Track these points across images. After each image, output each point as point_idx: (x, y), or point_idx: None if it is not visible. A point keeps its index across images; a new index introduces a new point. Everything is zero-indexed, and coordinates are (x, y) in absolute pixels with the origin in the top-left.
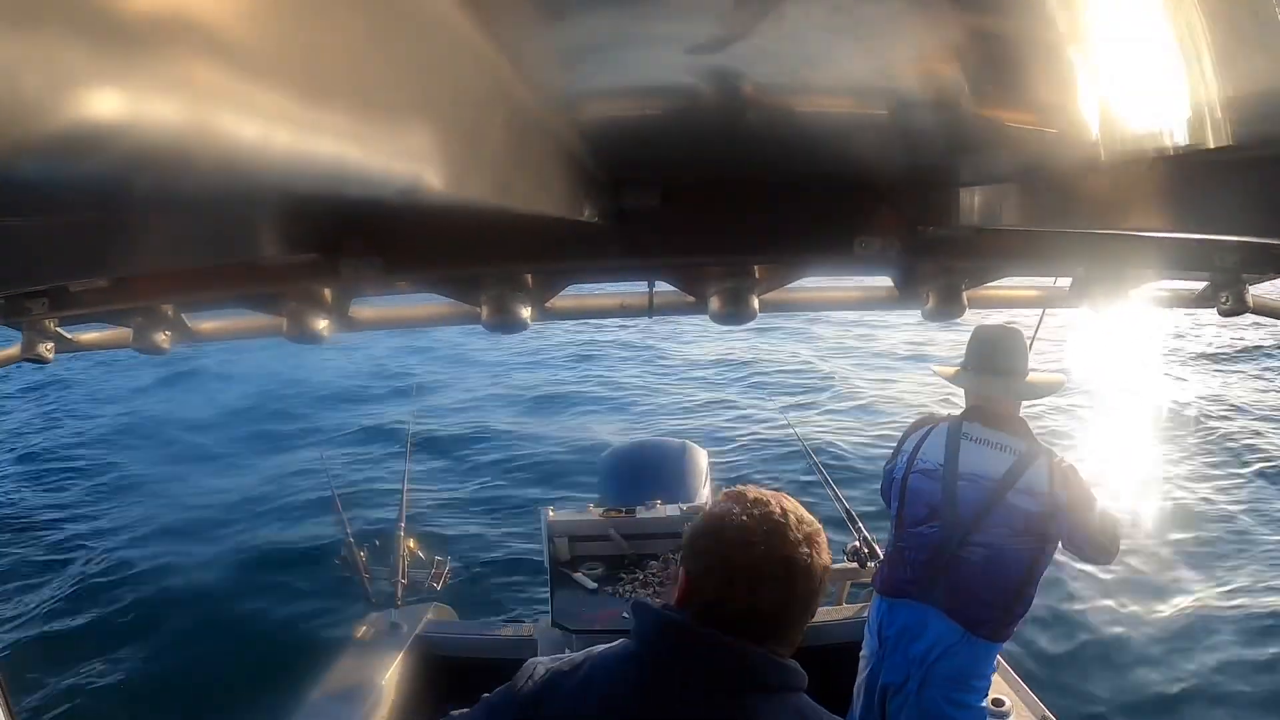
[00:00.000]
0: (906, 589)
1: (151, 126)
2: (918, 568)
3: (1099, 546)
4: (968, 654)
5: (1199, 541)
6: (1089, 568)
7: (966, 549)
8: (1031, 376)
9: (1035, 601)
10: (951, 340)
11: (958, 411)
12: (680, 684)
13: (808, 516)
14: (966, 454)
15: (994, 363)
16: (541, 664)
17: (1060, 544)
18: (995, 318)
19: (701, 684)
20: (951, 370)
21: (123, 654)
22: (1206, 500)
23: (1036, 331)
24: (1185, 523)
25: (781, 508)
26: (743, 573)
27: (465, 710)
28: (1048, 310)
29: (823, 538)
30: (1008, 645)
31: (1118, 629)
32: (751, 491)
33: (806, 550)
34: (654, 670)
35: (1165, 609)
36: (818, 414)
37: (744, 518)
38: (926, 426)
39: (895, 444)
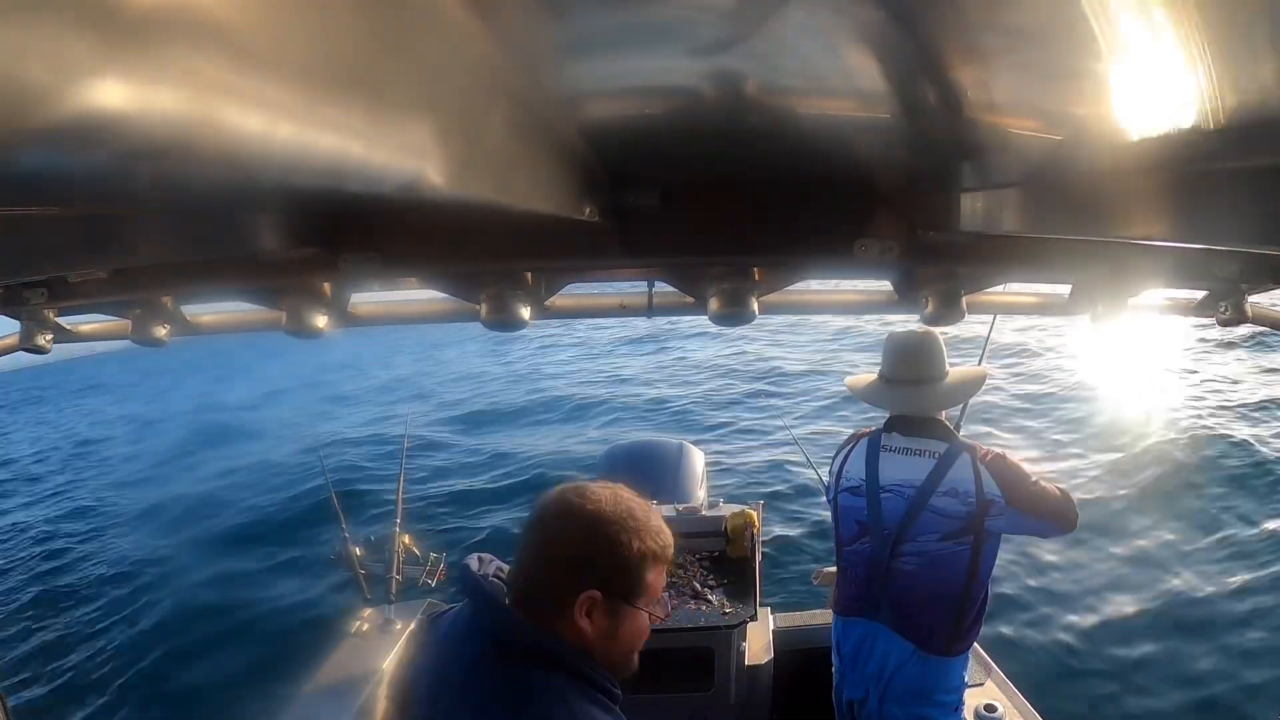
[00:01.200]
0: (856, 608)
1: (153, 119)
2: (859, 585)
3: (1054, 517)
4: (922, 670)
5: (1199, 541)
6: (1088, 567)
7: (899, 560)
8: (951, 375)
9: (1033, 603)
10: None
11: (880, 424)
12: (462, 631)
13: (604, 513)
14: (886, 465)
15: (908, 371)
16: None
17: (1024, 533)
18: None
19: (471, 634)
20: (865, 382)
21: (116, 650)
22: (1208, 498)
23: (989, 335)
24: (1187, 522)
25: (576, 496)
26: (522, 546)
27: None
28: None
29: (616, 521)
30: (1001, 651)
31: (1113, 632)
32: (570, 487)
33: (576, 534)
34: (464, 618)
35: (1165, 609)
36: (817, 416)
37: (546, 506)
38: (851, 443)
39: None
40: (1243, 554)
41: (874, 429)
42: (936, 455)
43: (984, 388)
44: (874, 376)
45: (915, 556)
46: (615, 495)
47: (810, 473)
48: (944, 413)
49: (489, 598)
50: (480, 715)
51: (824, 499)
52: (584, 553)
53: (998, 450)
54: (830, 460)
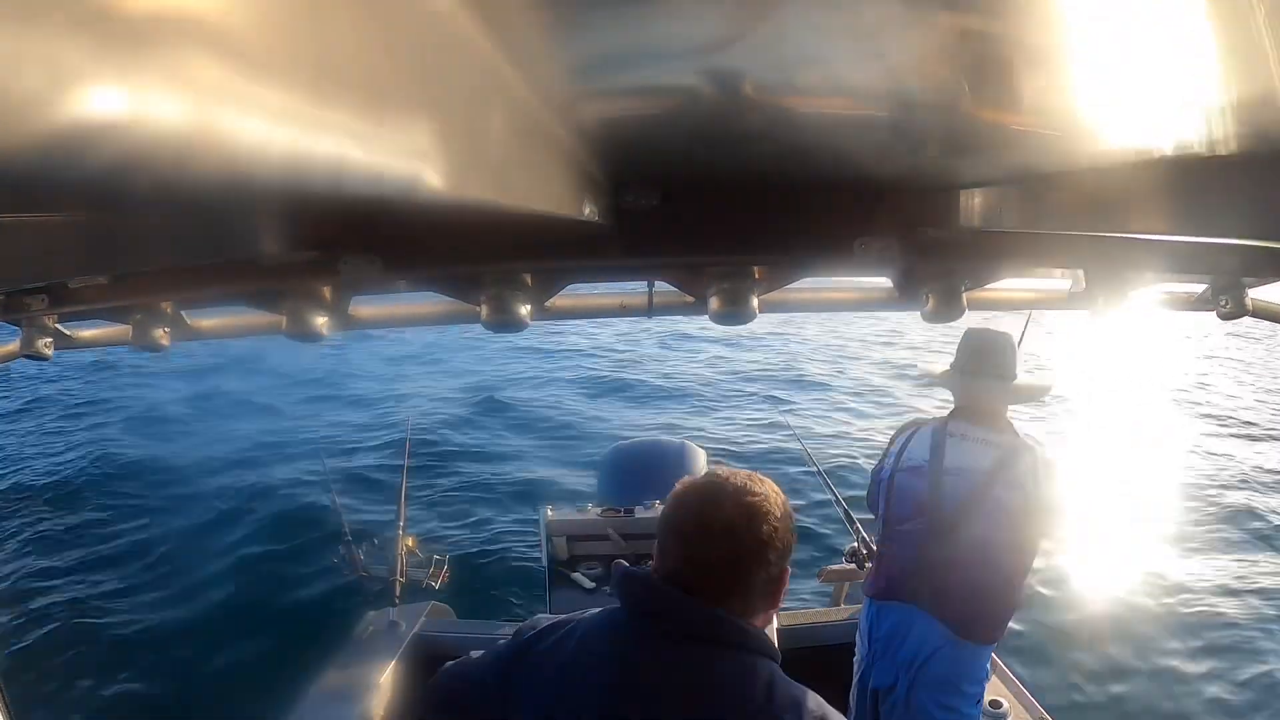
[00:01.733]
0: (894, 591)
1: (151, 124)
2: (905, 566)
3: (1050, 526)
4: (956, 657)
5: (1201, 541)
6: (1089, 567)
7: (952, 544)
8: (1019, 381)
9: (1036, 604)
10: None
11: (944, 414)
12: (639, 634)
13: (762, 490)
14: (952, 450)
15: (984, 366)
16: (544, 618)
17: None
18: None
19: (658, 635)
20: (940, 371)
21: (117, 651)
22: (1213, 500)
23: (1023, 335)
24: (1189, 522)
25: (734, 481)
26: (688, 536)
27: (481, 652)
28: (1035, 314)
29: (777, 512)
30: (1005, 647)
31: (1118, 629)
32: (721, 470)
33: (749, 516)
34: (624, 623)
35: (1165, 610)
36: (818, 416)
37: (694, 490)
38: (913, 428)
39: (883, 448)
40: (1255, 546)
41: (935, 418)
42: (1001, 447)
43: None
44: (945, 368)
45: (969, 542)
46: (764, 483)
47: (811, 471)
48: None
49: (678, 601)
50: (726, 711)
51: (828, 497)
52: (774, 541)
53: (1052, 458)
54: (887, 445)
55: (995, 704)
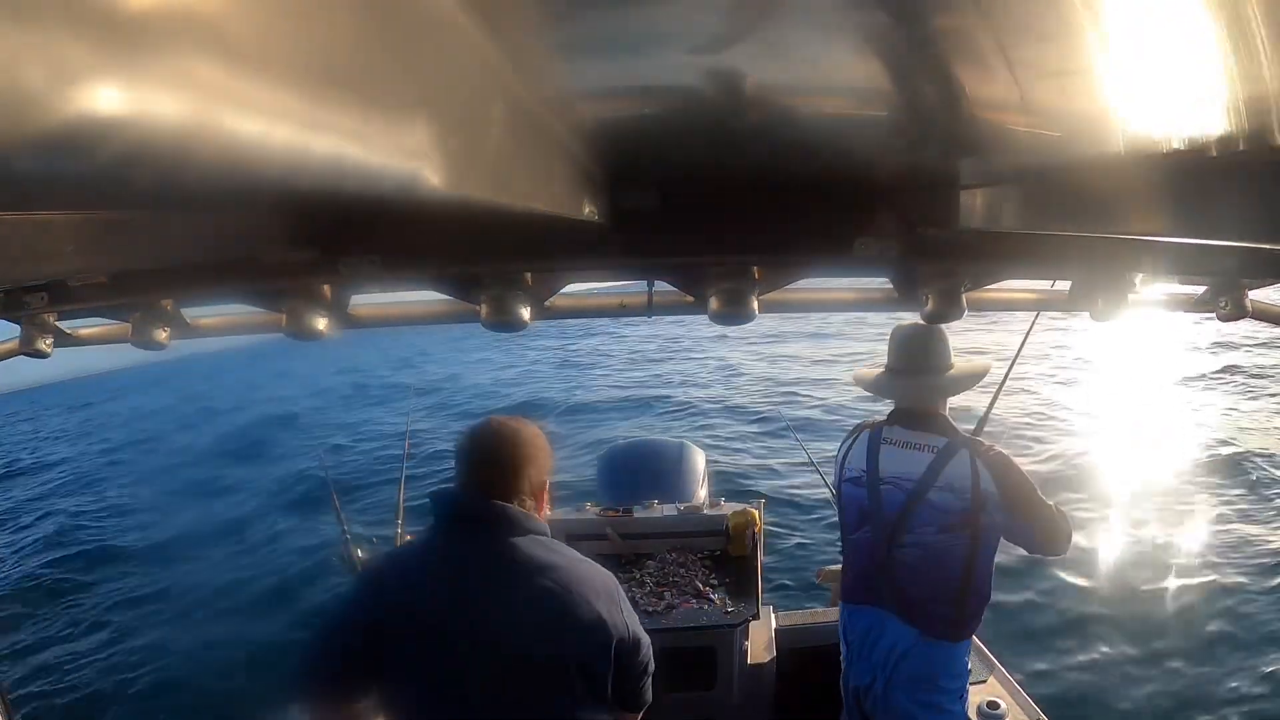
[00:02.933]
0: (861, 595)
1: (151, 122)
2: (862, 573)
3: (1046, 534)
4: (927, 656)
5: (1203, 539)
6: (1091, 562)
7: (899, 550)
8: (955, 368)
9: (1039, 604)
10: None
11: (883, 416)
12: (454, 529)
13: (518, 424)
14: (886, 458)
15: (913, 363)
16: (377, 557)
17: (1004, 537)
18: (995, 320)
19: (466, 527)
20: (872, 374)
21: (117, 650)
22: (1214, 498)
23: (1025, 340)
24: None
25: (499, 420)
26: (474, 460)
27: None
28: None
29: (529, 436)
30: (1004, 648)
31: (1116, 630)
32: (493, 417)
33: (511, 442)
34: (443, 527)
35: (1166, 611)
36: (817, 413)
37: (476, 430)
38: (854, 434)
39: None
40: (1255, 548)
41: (874, 421)
42: (935, 450)
43: (984, 380)
44: (880, 369)
45: (914, 547)
46: (523, 421)
47: (812, 471)
48: (948, 407)
49: (481, 504)
50: (508, 577)
51: (827, 497)
52: (528, 452)
53: (1000, 450)
54: (837, 449)
55: (993, 704)
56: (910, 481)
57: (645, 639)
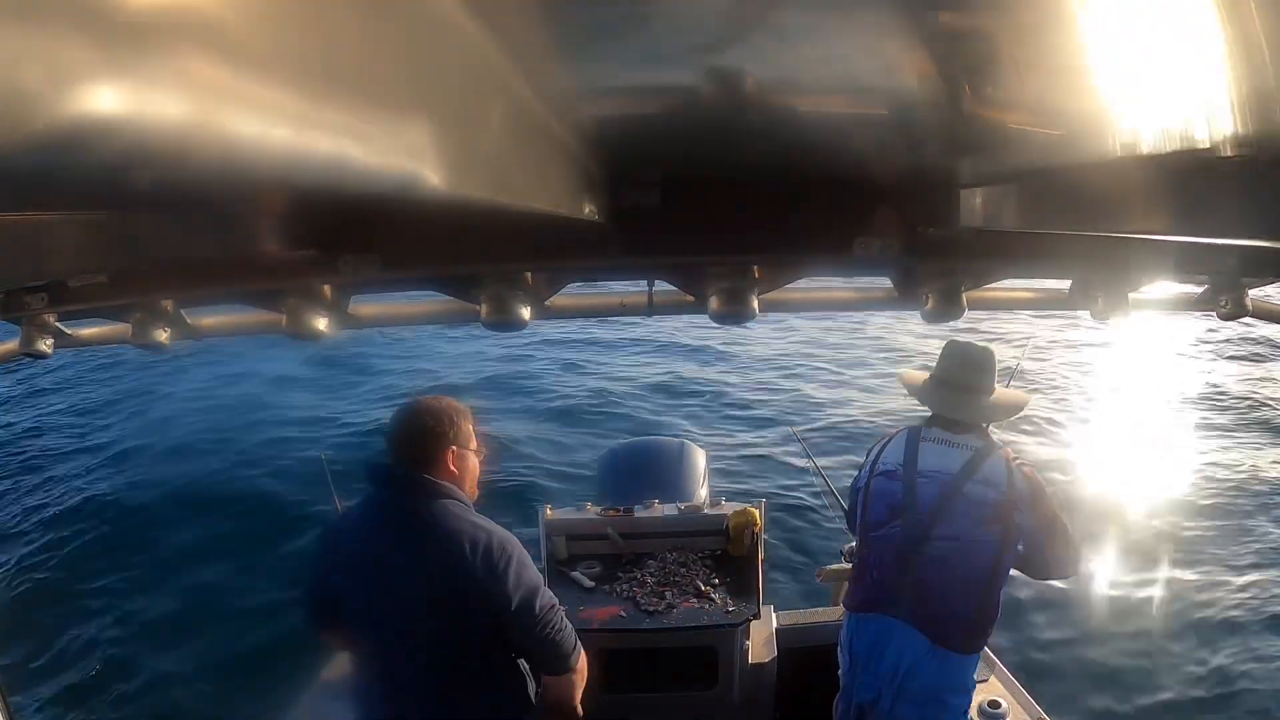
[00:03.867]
0: (873, 602)
1: (151, 122)
2: (884, 573)
3: (1060, 547)
4: (938, 669)
5: (1206, 539)
6: (1092, 562)
7: (930, 544)
8: (997, 395)
9: (1035, 599)
10: None
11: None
12: (383, 498)
13: (437, 402)
14: (925, 453)
15: (964, 379)
16: (331, 525)
17: (1020, 549)
18: (996, 320)
19: (393, 495)
20: (920, 379)
21: (117, 650)
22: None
23: (1022, 358)
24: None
25: (421, 400)
26: (398, 437)
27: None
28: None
29: (445, 412)
30: (1005, 648)
31: (1117, 630)
32: (418, 396)
33: (432, 417)
34: (374, 496)
35: (1167, 610)
36: (817, 413)
37: (401, 410)
38: (888, 436)
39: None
40: (1258, 549)
41: (906, 425)
42: (972, 448)
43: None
44: (924, 376)
45: (946, 541)
46: (445, 399)
47: (811, 467)
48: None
49: (399, 472)
50: (413, 533)
51: (824, 498)
52: (442, 427)
53: (1027, 463)
54: (866, 452)
55: (994, 704)
56: (948, 475)
57: (542, 601)
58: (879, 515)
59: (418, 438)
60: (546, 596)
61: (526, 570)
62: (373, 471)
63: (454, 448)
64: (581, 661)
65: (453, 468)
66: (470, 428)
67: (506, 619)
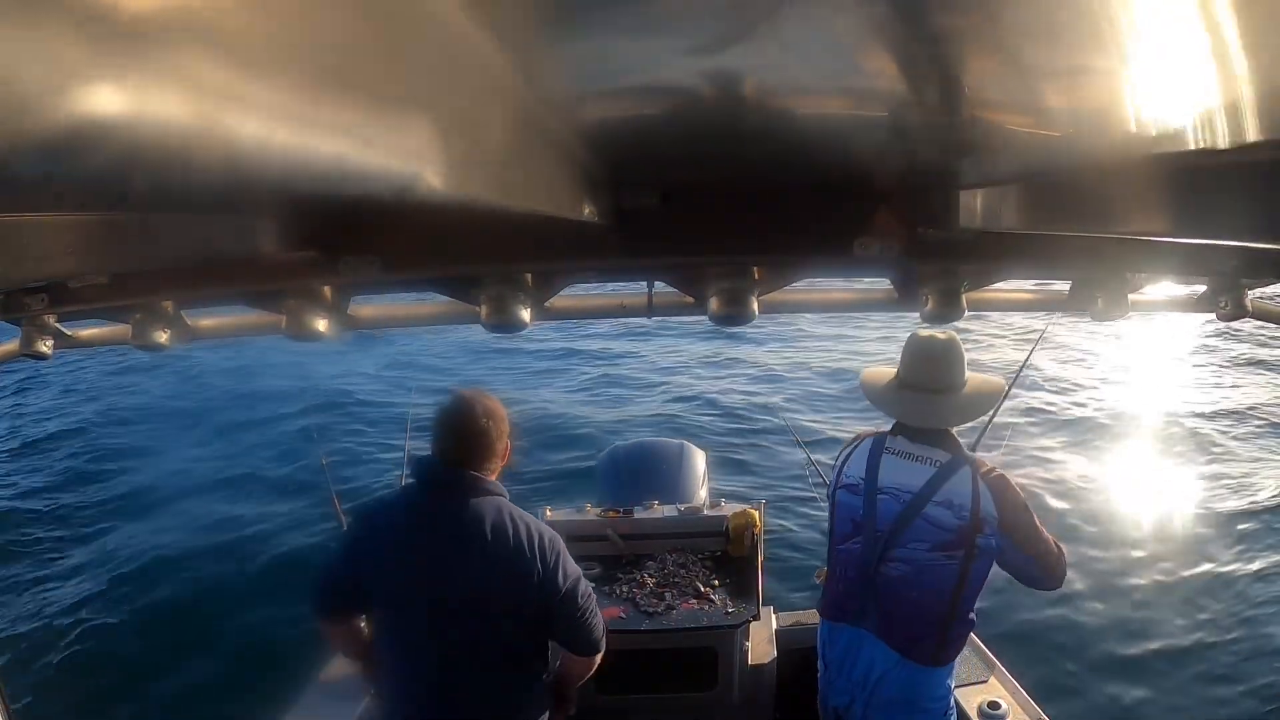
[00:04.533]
0: (842, 612)
1: (151, 123)
2: (849, 586)
3: (1041, 562)
4: (908, 679)
5: (1208, 539)
6: (1091, 561)
7: (888, 564)
8: (969, 387)
9: (1034, 600)
10: None
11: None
12: (428, 494)
13: (483, 400)
14: (887, 468)
15: (928, 379)
16: (362, 510)
17: (1000, 566)
18: (996, 320)
19: (438, 492)
20: (882, 380)
21: (118, 650)
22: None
23: (1031, 354)
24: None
25: (468, 396)
26: (446, 431)
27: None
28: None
29: (493, 410)
30: (1006, 649)
31: (1118, 630)
32: (464, 392)
33: (481, 415)
34: (418, 489)
35: (1167, 611)
36: (814, 413)
37: (449, 405)
38: (856, 442)
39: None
40: (1257, 543)
41: (877, 430)
42: (938, 464)
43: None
44: (890, 375)
45: (904, 563)
46: (492, 398)
47: (812, 470)
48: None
49: (453, 472)
50: (470, 532)
51: (823, 498)
52: (498, 428)
53: (1002, 473)
54: (837, 456)
55: (994, 704)
56: (909, 493)
57: (583, 589)
58: (843, 529)
59: (474, 438)
60: (586, 584)
61: (571, 561)
62: (423, 468)
63: (504, 447)
64: (604, 646)
65: (500, 460)
66: (509, 424)
67: (555, 607)
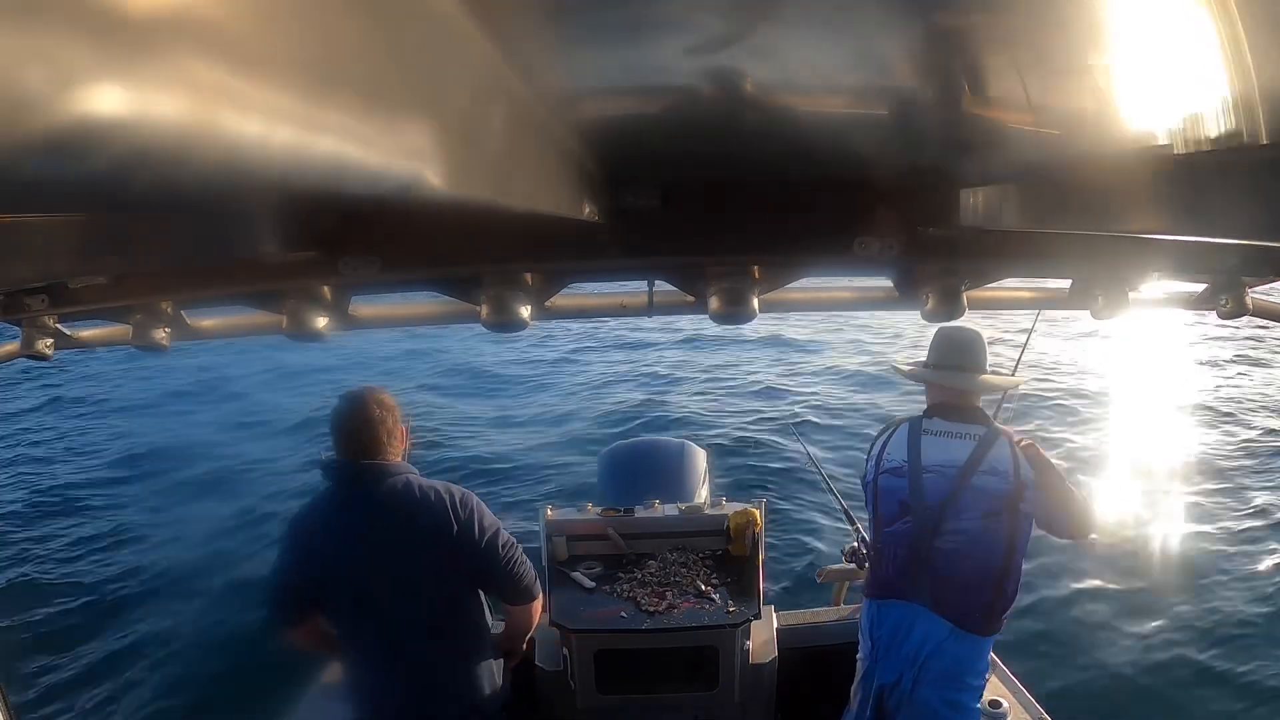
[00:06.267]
0: (892, 589)
1: (151, 123)
2: (900, 565)
3: (1075, 516)
4: (958, 650)
5: (1209, 539)
6: (1089, 564)
7: (941, 538)
8: (990, 376)
9: (1034, 599)
10: None
11: (919, 413)
12: (343, 489)
13: (372, 392)
14: (928, 447)
15: (957, 360)
16: (294, 518)
17: (1036, 523)
18: (996, 319)
19: (351, 485)
20: (913, 368)
21: (118, 651)
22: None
23: (1029, 339)
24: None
25: (357, 391)
26: (344, 428)
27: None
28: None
29: (383, 400)
30: (1006, 649)
31: (1118, 630)
32: (352, 391)
33: (375, 405)
34: (334, 489)
35: (1169, 610)
36: (819, 414)
37: (341, 403)
38: (889, 430)
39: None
40: (1254, 544)
41: (908, 417)
42: (976, 438)
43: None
44: (918, 364)
45: (956, 534)
46: (379, 390)
47: (811, 470)
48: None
49: (362, 462)
50: (397, 512)
51: (827, 496)
52: (390, 414)
53: (1031, 441)
54: (867, 450)
55: (994, 704)
56: (954, 468)
57: (504, 538)
58: (890, 512)
59: (370, 428)
60: (506, 534)
61: (487, 513)
62: (335, 467)
63: (401, 431)
64: (539, 593)
65: (398, 441)
66: (398, 409)
67: (480, 559)
